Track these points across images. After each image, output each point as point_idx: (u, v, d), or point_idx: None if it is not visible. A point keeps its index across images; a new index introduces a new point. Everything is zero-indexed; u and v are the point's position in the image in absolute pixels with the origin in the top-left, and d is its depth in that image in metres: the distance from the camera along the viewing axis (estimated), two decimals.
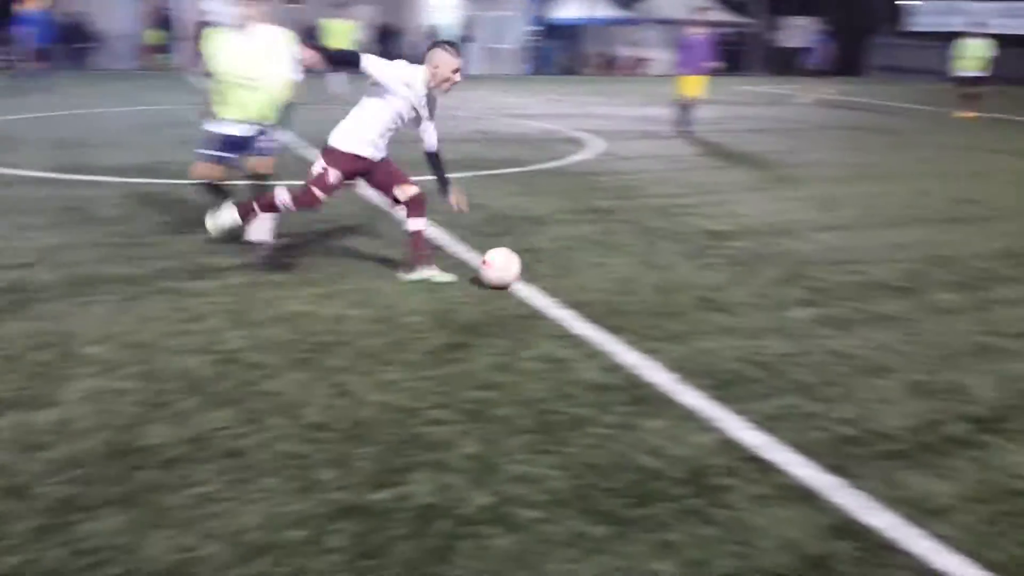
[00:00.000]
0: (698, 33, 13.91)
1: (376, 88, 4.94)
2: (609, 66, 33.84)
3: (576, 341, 4.34)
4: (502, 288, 5.07)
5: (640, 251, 6.21)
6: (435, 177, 5.22)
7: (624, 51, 34.48)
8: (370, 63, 4.85)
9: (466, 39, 30.48)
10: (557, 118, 15.53)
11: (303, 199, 5.09)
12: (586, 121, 14.94)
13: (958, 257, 6.21)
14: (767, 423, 3.45)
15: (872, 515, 2.81)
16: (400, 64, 4.98)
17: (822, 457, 3.18)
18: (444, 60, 4.93)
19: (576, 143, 12.15)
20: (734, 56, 32.83)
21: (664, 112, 15.15)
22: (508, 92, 21.89)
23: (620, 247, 6.29)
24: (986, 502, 2.92)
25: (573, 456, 3.15)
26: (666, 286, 5.34)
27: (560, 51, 33.51)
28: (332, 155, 5.02)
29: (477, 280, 5.19)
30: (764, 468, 3.11)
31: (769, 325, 4.66)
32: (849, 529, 2.74)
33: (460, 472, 3.02)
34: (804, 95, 21.12)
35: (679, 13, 33.83)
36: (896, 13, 36.07)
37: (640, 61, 34.15)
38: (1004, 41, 20.70)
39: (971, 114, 17.33)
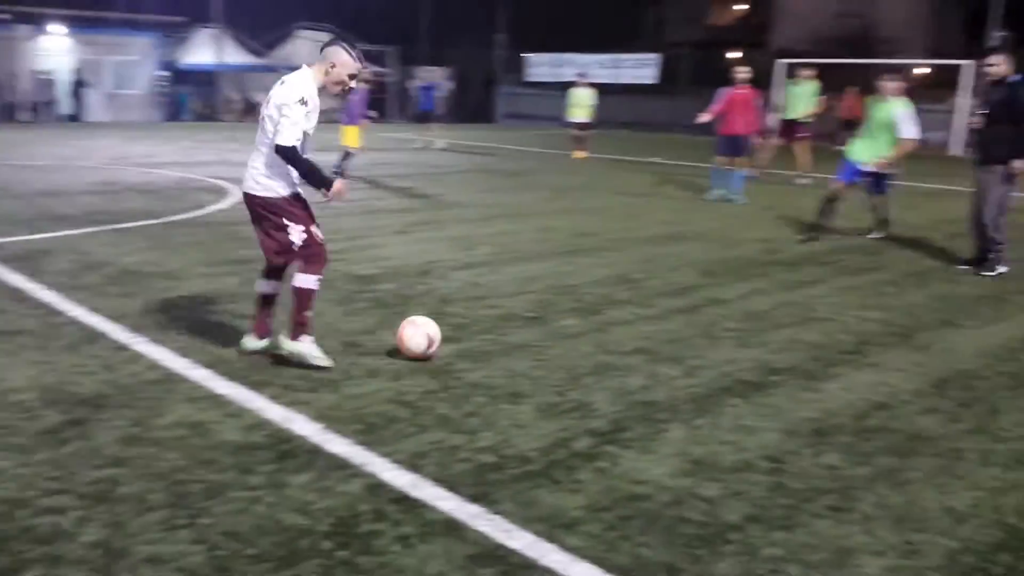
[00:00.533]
0: (357, 86, 14.03)
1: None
2: (248, 112, 33.04)
3: (217, 401, 4.12)
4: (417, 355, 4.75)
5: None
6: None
7: (262, 98, 33.90)
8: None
9: (82, 84, 28.21)
10: (193, 166, 14.83)
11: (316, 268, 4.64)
12: (225, 169, 14.41)
13: (579, 285, 6.83)
14: (413, 461, 3.51)
15: (511, 538, 2.95)
16: (295, 88, 4.40)
17: (465, 488, 3.29)
18: (343, 60, 4.44)
19: (215, 191, 11.67)
20: (377, 104, 33.74)
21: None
22: (137, 140, 20.50)
23: None
24: (610, 509, 3.20)
25: (212, 526, 2.96)
26: (315, 335, 5.25)
27: (195, 97, 32.14)
28: (284, 206, 4.55)
29: (93, 348, 4.73)
30: (411, 507, 3.15)
31: (414, 364, 4.76)
32: (491, 555, 2.85)
33: (80, 564, 2.70)
34: (423, 141, 22.11)
35: (315, 60, 34.13)
36: (519, 64, 39.32)
37: None
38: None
39: (583, 155, 19.36)
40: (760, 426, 4.05)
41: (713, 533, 3.05)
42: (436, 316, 5.72)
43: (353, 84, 4.60)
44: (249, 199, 4.60)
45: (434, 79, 23.46)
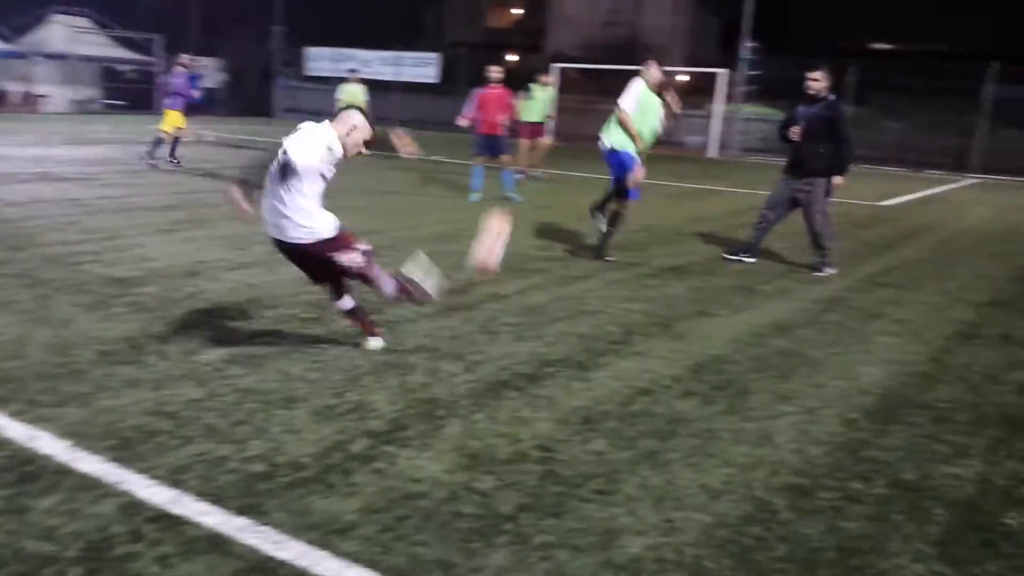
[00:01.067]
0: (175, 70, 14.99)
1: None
2: None
3: None
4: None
5: (31, 308, 5.53)
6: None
7: (13, 86, 30.92)
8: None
9: None
10: None
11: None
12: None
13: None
14: (174, 476, 3.30)
15: (281, 548, 2.84)
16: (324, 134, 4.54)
17: (232, 500, 3.14)
18: (362, 125, 4.65)
19: None
20: (145, 94, 31.64)
21: (63, 152, 13.87)
22: None
23: (5, 305, 5.53)
24: (386, 511, 3.16)
25: None
26: (63, 344, 4.83)
27: None
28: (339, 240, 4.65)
29: None
30: (171, 525, 2.95)
31: (178, 372, 4.49)
32: (260, 568, 2.73)
33: None
34: (193, 134, 20.99)
35: (72, 47, 31.53)
36: (299, 57, 38.24)
37: (33, 97, 30.93)
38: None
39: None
40: (534, 417, 4.16)
41: (488, 525, 3.09)
42: (205, 321, 5.45)
43: (365, 151, 4.77)
44: (300, 247, 4.65)
45: (200, 69, 22.17)
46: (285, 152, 4.44)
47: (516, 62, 44.53)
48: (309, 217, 4.55)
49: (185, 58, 15.69)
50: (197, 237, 8.30)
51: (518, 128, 15.27)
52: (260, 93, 36.37)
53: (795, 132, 8.24)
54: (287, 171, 4.43)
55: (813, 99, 8.07)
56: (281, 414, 4.01)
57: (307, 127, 4.62)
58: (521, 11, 53.72)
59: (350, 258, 4.66)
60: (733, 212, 12.73)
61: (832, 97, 8.08)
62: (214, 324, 5.42)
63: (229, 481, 3.30)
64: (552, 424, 4.09)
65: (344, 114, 4.68)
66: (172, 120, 14.68)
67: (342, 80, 19.39)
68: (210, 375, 4.48)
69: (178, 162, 14.68)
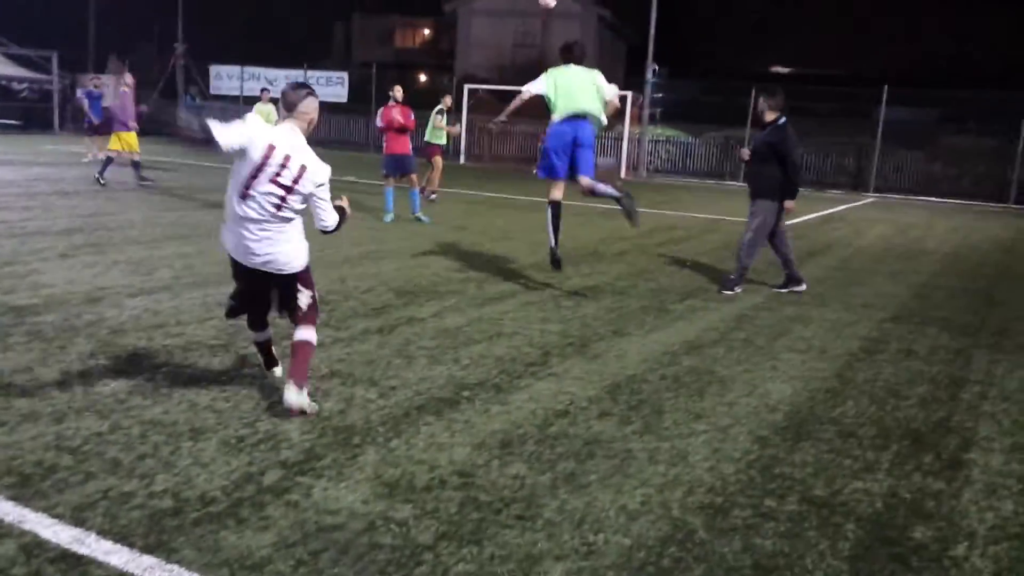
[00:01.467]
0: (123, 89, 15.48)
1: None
2: None
3: None
4: None
5: None
6: None
7: None
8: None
9: None
10: None
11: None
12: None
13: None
14: (77, 514, 3.15)
15: None
16: (323, 166, 4.38)
17: (139, 538, 3.01)
18: (316, 107, 4.44)
19: None
20: (41, 113, 30.47)
21: None
22: None
23: None
24: (301, 544, 3.07)
25: None
26: None
27: None
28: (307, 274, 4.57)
29: None
30: (74, 565, 2.82)
31: (80, 404, 4.29)
32: None
33: None
34: (88, 153, 20.32)
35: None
36: (203, 75, 37.42)
37: None
38: None
39: None
40: (452, 442, 4.13)
41: (406, 556, 3.04)
42: (106, 349, 5.24)
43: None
44: (284, 278, 4.46)
45: (101, 88, 21.46)
46: (287, 183, 4.24)
47: (426, 82, 44.57)
48: (298, 244, 4.47)
49: (130, 77, 15.98)
50: (98, 262, 7.99)
51: (427, 149, 15.31)
52: (163, 111, 35.39)
53: (744, 154, 8.53)
54: (280, 203, 4.28)
55: (764, 124, 8.28)
56: (188, 446, 3.88)
57: (308, 154, 4.33)
58: (430, 31, 53.84)
59: (307, 296, 4.55)
60: (645, 232, 12.96)
61: (782, 121, 8.19)
62: (116, 353, 5.21)
63: (135, 518, 3.16)
64: (470, 449, 4.06)
65: (304, 103, 4.36)
66: (126, 140, 15.12)
67: (254, 99, 19.07)
68: (113, 406, 4.30)
69: (105, 183, 14.75)
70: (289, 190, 4.25)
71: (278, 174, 4.22)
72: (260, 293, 4.59)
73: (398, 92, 12.54)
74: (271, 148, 4.21)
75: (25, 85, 32.44)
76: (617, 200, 7.64)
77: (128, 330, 5.74)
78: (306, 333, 4.45)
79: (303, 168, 4.27)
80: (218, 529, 3.13)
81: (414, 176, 12.83)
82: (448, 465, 3.85)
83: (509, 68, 38.36)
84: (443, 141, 15.49)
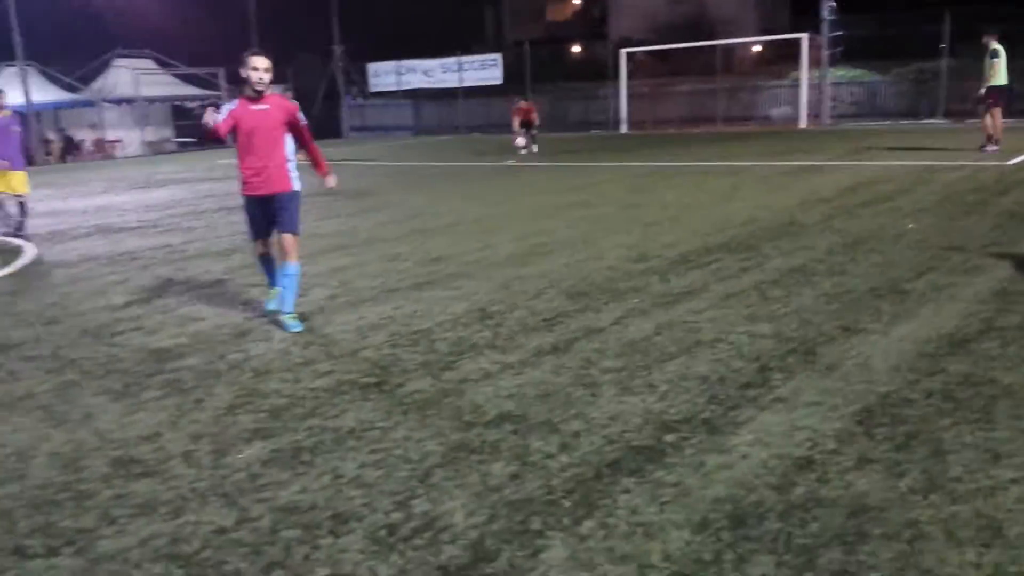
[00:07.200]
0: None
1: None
2: (70, 152, 30.47)
3: None
4: None
5: (48, 401, 4.73)
6: None
7: (84, 135, 31.39)
8: None
9: None
10: None
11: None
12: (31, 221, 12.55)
13: (430, 330, 5.75)
14: None
15: None
16: None
17: None
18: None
19: (4, 252, 9.98)
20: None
21: (127, 199, 13.41)
22: None
23: (17, 403, 4.73)
24: None
25: None
26: (74, 453, 3.98)
27: None
28: None
29: None
30: None
31: (206, 484, 3.57)
32: None
33: None
34: None
35: (138, 89, 31.72)
36: (361, 75, 37.90)
37: (105, 143, 31.30)
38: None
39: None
40: (662, 521, 3.07)
41: None
42: (247, 398, 4.51)
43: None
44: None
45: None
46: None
47: (580, 53, 43.29)
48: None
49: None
50: (251, 286, 7.45)
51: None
52: (327, 114, 36.13)
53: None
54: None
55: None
56: (327, 544, 3.03)
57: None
58: (580, 1, 52.42)
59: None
60: (846, 190, 11.32)
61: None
62: (256, 404, 4.50)
63: None
64: (689, 533, 2.99)
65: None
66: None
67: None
68: (243, 486, 3.54)
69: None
70: None
71: None
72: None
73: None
74: None
75: (198, 103, 33.84)
76: None
77: (273, 370, 5.06)
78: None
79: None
80: None
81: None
82: (663, 564, 2.80)
83: (665, 27, 36.44)
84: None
